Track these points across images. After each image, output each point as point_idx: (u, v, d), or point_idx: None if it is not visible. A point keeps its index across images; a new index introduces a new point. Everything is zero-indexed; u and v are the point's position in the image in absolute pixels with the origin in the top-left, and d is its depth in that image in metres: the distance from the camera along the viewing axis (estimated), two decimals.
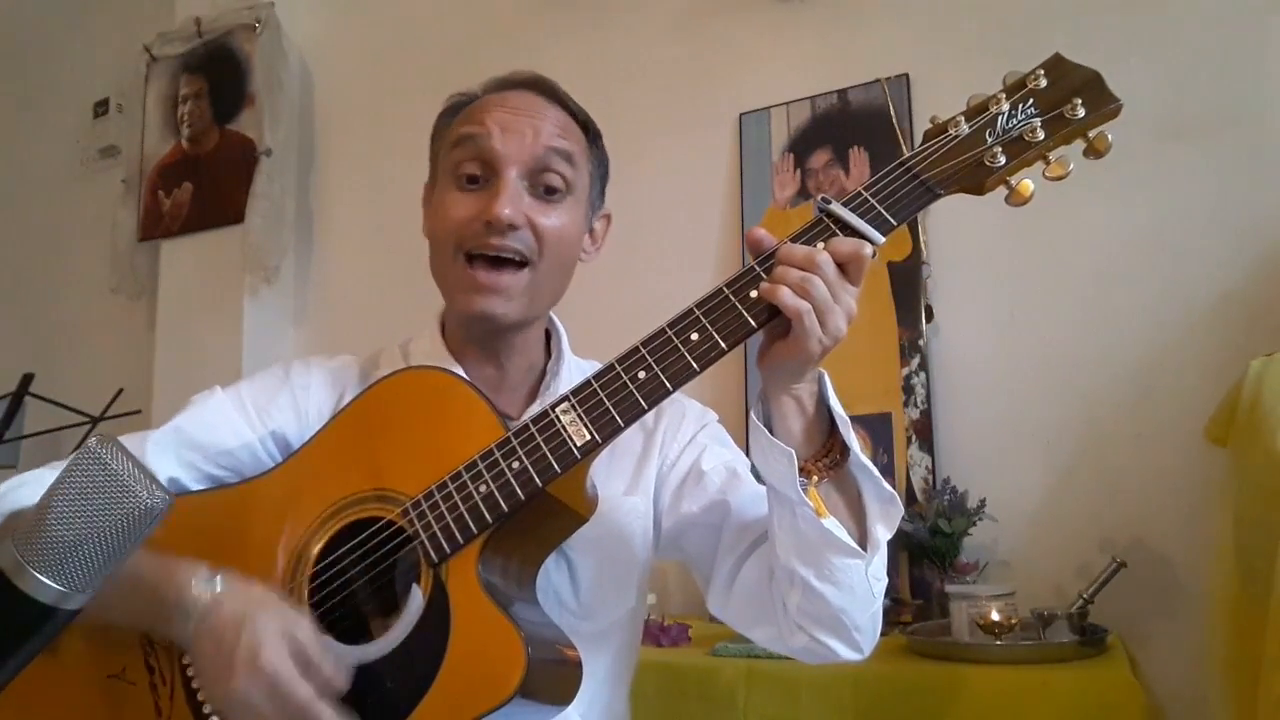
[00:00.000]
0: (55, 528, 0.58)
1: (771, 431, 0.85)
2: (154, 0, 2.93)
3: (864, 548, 0.86)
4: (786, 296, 0.78)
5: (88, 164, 3.12)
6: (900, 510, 0.89)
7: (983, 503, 1.72)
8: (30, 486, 0.90)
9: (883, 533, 0.87)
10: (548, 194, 0.97)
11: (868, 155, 2.02)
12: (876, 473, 0.87)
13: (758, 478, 1.01)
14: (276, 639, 0.75)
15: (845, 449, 0.86)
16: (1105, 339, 1.78)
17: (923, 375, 1.87)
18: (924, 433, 1.85)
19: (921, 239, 1.92)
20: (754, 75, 2.19)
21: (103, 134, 3.08)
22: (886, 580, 0.90)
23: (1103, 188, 1.80)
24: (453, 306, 1.01)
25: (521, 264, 0.96)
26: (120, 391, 2.56)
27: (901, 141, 1.94)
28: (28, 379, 2.61)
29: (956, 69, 1.94)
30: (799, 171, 2.09)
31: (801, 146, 2.10)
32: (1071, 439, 1.78)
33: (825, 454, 0.86)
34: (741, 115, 2.18)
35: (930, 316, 1.90)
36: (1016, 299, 1.87)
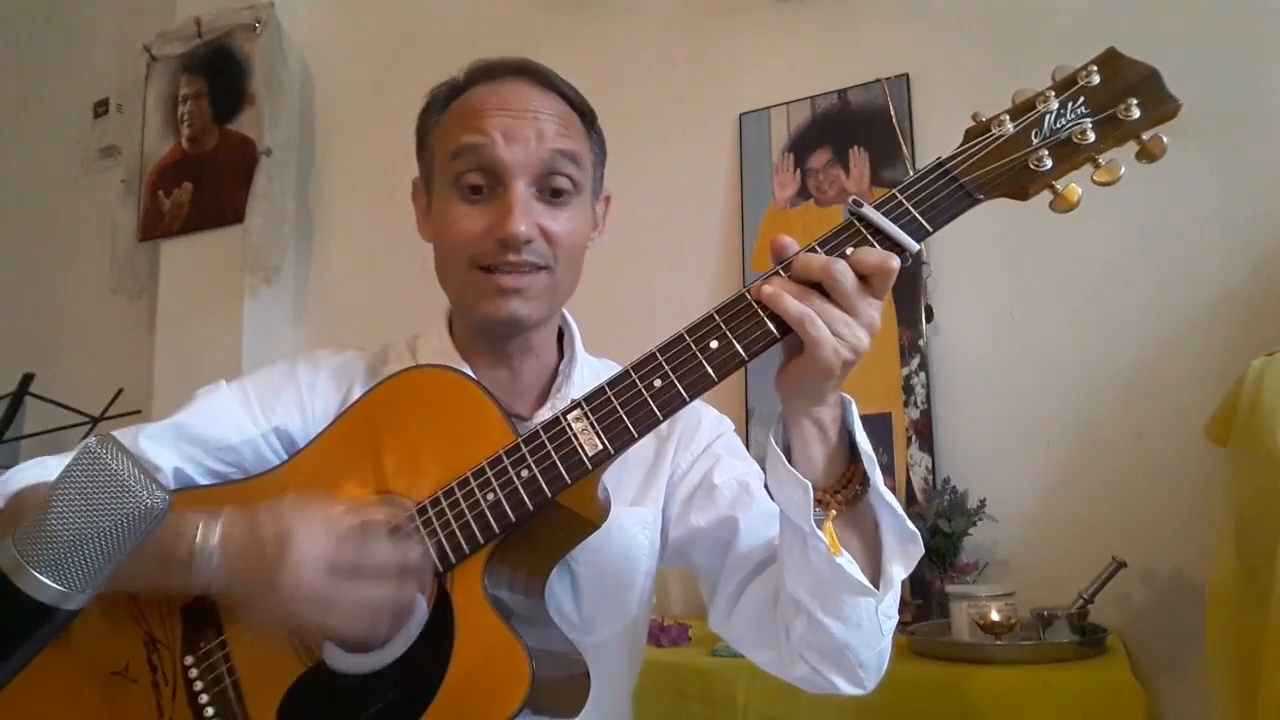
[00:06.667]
0: (55, 527, 0.58)
1: (790, 457, 0.81)
2: (154, 0, 2.93)
3: (876, 584, 0.82)
4: (789, 304, 0.73)
5: (88, 164, 3.12)
6: (921, 549, 0.84)
7: (983, 503, 1.72)
8: (33, 469, 0.89)
9: (898, 571, 0.83)
10: (554, 195, 0.95)
11: (868, 155, 2.01)
12: (899, 508, 0.83)
13: (771, 494, 1.01)
14: (305, 527, 0.74)
15: (866, 481, 0.82)
16: (1105, 339, 1.78)
17: (923, 375, 1.87)
18: (924, 433, 1.85)
19: None
20: (754, 75, 2.19)
21: (103, 134, 3.07)
22: (897, 618, 0.87)
23: (1103, 188, 1.80)
24: (470, 314, 0.98)
25: (540, 267, 0.94)
26: (120, 391, 2.56)
27: (902, 141, 1.94)
28: (28, 379, 2.61)
29: (956, 69, 1.94)
30: (799, 171, 2.09)
31: (801, 146, 2.10)
32: (1071, 439, 1.78)
33: (844, 485, 0.82)
34: (741, 115, 2.18)
35: (930, 316, 1.90)
36: (1016, 299, 1.87)
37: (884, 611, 0.84)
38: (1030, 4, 1.92)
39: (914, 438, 1.85)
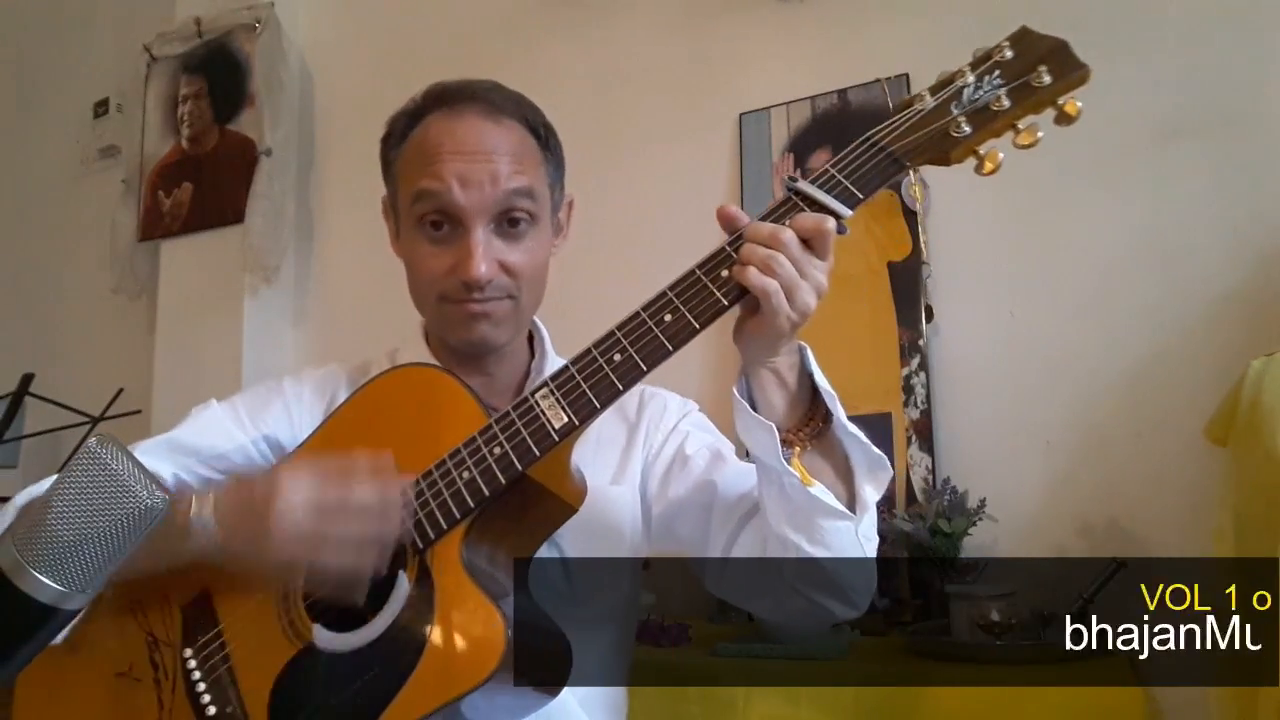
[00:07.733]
0: (55, 527, 0.58)
1: (754, 405, 0.88)
2: (154, 0, 2.93)
3: (853, 509, 0.88)
4: (754, 276, 0.80)
5: (88, 164, 3.12)
6: (889, 471, 0.91)
7: (983, 503, 1.72)
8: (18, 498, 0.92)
9: (871, 493, 0.89)
10: (512, 226, 0.99)
11: None
12: (863, 436, 0.89)
13: (743, 457, 1.03)
14: (290, 475, 0.81)
15: (828, 416, 0.88)
16: (1105, 339, 1.78)
17: (923, 375, 1.87)
18: (924, 433, 1.85)
19: (921, 239, 1.91)
20: (754, 75, 2.19)
21: (103, 134, 3.07)
22: (878, 539, 0.92)
23: (1103, 187, 1.80)
24: (444, 336, 1.05)
25: (504, 298, 1.00)
26: (120, 391, 2.56)
27: None
28: (28, 379, 2.60)
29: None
30: (799, 172, 2.09)
31: (801, 146, 2.10)
32: (1071, 439, 1.78)
33: (807, 423, 0.88)
34: (741, 115, 2.18)
35: (930, 316, 1.90)
36: (1016, 299, 1.87)
37: (864, 534, 0.89)
38: (1030, 5, 1.92)
39: (914, 438, 1.84)
